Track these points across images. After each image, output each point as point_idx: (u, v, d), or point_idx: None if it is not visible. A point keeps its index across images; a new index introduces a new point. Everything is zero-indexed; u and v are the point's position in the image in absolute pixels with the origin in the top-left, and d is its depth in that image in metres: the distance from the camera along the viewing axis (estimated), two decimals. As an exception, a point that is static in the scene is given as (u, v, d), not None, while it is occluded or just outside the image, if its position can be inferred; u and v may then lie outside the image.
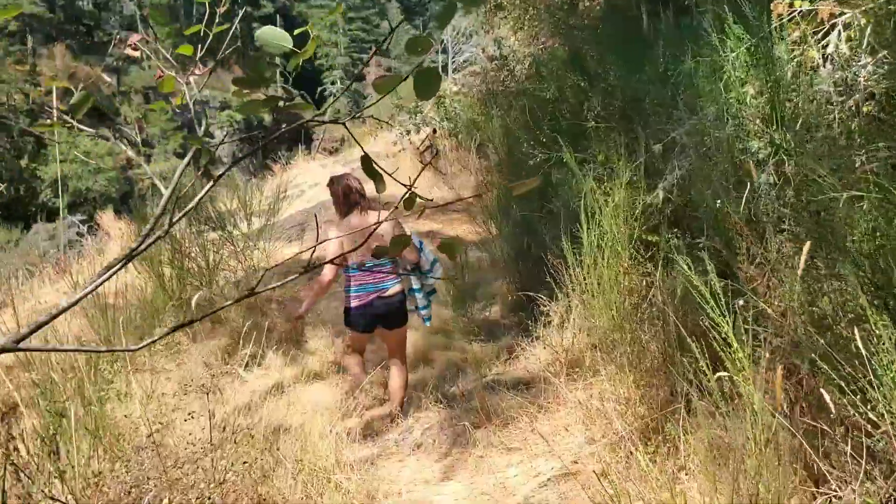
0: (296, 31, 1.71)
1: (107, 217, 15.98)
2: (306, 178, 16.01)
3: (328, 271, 4.55)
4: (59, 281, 10.50)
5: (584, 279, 3.96)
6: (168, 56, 1.87)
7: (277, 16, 67.97)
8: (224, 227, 6.54)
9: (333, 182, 4.78)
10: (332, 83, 69.34)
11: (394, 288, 4.68)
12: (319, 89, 68.18)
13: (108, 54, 54.42)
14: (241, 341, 6.51)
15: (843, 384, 2.40)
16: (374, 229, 1.78)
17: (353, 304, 4.62)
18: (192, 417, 3.76)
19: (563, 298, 5.34)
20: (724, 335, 2.65)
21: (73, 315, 8.65)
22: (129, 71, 55.33)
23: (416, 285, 4.82)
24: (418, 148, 14.70)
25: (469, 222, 11.85)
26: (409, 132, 14.71)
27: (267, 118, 59.77)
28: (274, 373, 6.41)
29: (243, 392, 6.08)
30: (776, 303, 2.88)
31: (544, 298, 5.64)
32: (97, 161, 45.42)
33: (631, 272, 3.75)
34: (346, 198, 4.66)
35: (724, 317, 2.65)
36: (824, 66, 3.75)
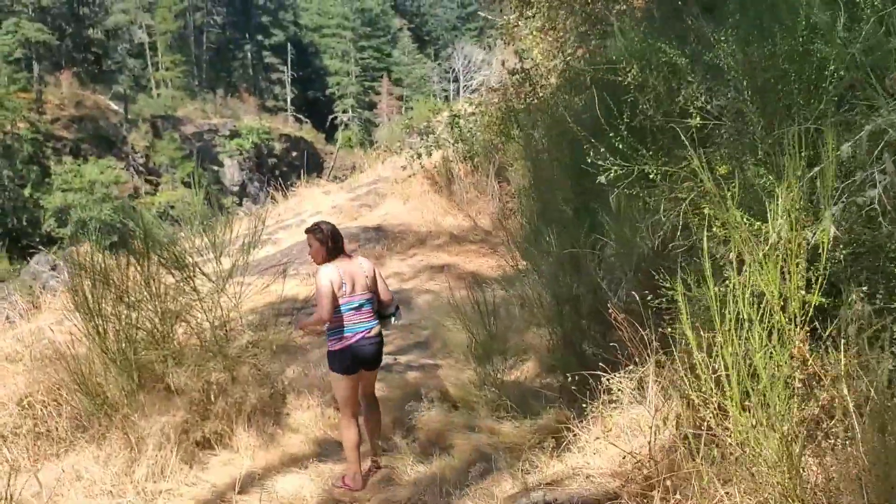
0: None
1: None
2: (307, 207, 14.60)
3: (326, 309, 4.53)
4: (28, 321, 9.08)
5: (711, 367, 2.40)
6: None
7: (289, 44, 67.35)
8: (184, 269, 5.07)
9: (318, 229, 4.82)
10: (344, 111, 68.52)
11: (376, 328, 4.73)
12: (330, 117, 67.38)
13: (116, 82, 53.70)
14: (202, 416, 5.02)
15: None
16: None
17: (341, 345, 4.61)
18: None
19: (638, 370, 3.85)
20: None
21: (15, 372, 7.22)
22: (137, 99, 54.63)
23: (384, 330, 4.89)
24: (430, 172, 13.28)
25: (488, 255, 10.35)
26: (419, 155, 13.28)
27: (278, 146, 58.98)
28: (243, 457, 4.91)
29: (200, 490, 4.58)
30: None
31: (602, 366, 4.15)
32: (103, 190, 44.41)
33: (809, 363, 2.24)
34: (334, 242, 4.71)
35: None
36: None
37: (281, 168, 54.27)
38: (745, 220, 2.48)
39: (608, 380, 4.12)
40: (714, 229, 2.70)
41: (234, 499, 4.37)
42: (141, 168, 52.08)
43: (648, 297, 3.49)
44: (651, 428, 3.36)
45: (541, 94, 11.31)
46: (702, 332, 2.39)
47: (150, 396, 4.90)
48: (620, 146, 3.16)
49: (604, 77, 3.68)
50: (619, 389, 4.13)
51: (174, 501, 4.48)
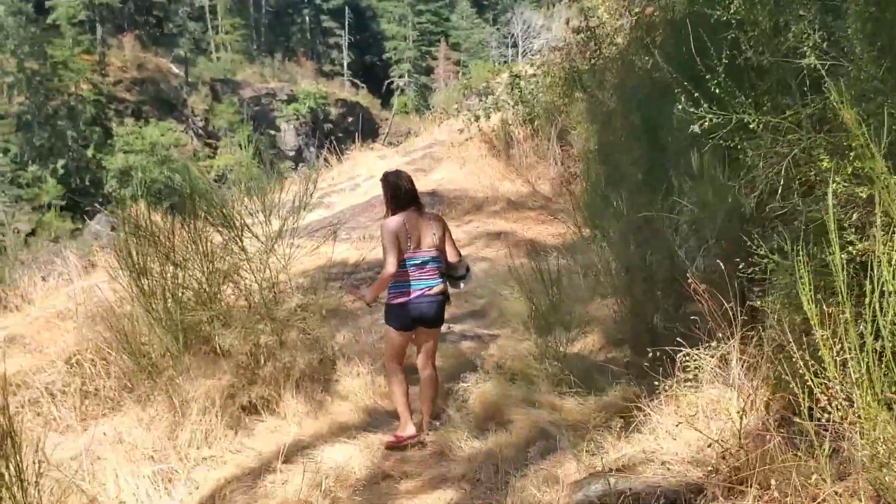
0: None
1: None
2: (361, 171, 14.33)
3: (390, 262, 4.41)
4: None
5: (833, 347, 2.01)
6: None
7: (347, 8, 66.93)
8: (232, 228, 4.82)
9: (386, 176, 4.68)
10: (400, 76, 68.00)
11: (439, 287, 4.59)
12: (387, 82, 66.97)
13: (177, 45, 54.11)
14: (249, 381, 4.81)
15: None
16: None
17: (400, 300, 4.49)
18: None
19: (719, 346, 3.47)
20: None
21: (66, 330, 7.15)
22: (197, 62, 55.02)
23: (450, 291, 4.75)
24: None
25: (548, 222, 9.95)
26: (477, 118, 12.87)
27: (334, 111, 58.90)
28: (290, 424, 4.69)
29: (244, 457, 4.37)
30: None
31: (679, 341, 3.78)
32: (164, 152, 44.94)
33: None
34: (394, 198, 4.56)
35: None
36: None
37: (336, 133, 54.16)
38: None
39: (686, 356, 3.75)
40: (835, 186, 2.29)
41: (279, 467, 4.15)
42: (200, 131, 52.66)
43: (740, 266, 3.09)
44: (739, 413, 2.98)
45: (606, 54, 10.79)
46: (824, 306, 2.01)
47: (195, 359, 4.70)
48: (717, 91, 2.76)
49: (694, 13, 3.26)
50: (696, 367, 3.76)
51: (217, 469, 4.28)
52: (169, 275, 4.65)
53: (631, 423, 3.99)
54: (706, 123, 2.80)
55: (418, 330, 4.60)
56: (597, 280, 6.04)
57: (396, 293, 4.49)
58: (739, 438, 2.77)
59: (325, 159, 16.47)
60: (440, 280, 4.57)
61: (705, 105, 2.75)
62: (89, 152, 44.86)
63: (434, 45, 71.05)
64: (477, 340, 6.01)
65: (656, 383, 3.93)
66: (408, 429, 4.50)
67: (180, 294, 4.68)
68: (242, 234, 4.85)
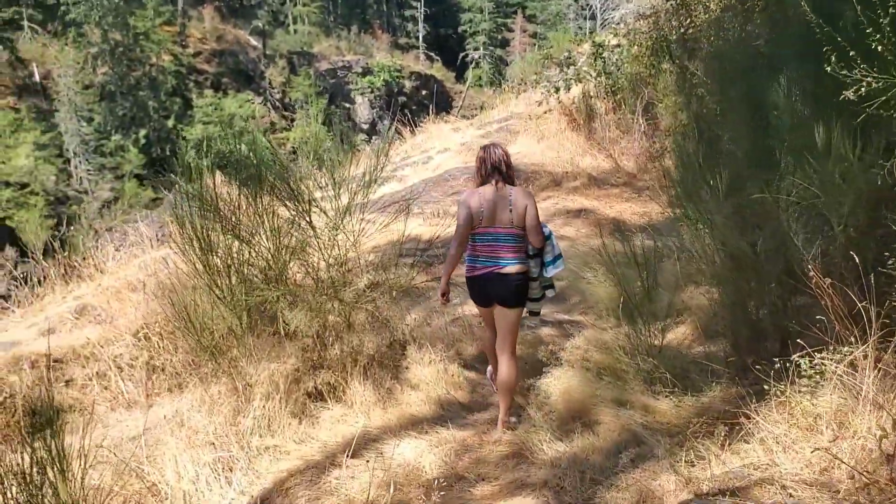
0: None
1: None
2: (435, 144, 13.96)
3: (457, 240, 4.34)
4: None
5: None
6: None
7: (423, -21, 66.28)
8: (300, 202, 4.52)
9: (482, 148, 4.51)
10: (475, 49, 67.07)
11: (513, 267, 4.29)
12: (462, 55, 66.19)
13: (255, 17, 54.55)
14: (314, 365, 4.53)
15: None
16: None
17: (468, 274, 4.40)
18: None
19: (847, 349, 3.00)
20: None
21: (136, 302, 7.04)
22: (275, 35, 55.39)
23: (534, 272, 4.44)
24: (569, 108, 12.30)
25: (632, 199, 9.41)
26: (557, 89, 12.31)
27: (408, 84, 58.58)
28: (357, 414, 4.39)
29: (308, 448, 4.09)
30: None
31: (798, 340, 3.31)
32: (241, 123, 45.53)
33: None
34: (484, 166, 4.39)
35: None
36: None
37: (410, 106, 53.84)
38: None
39: (805, 356, 3.29)
40: None
41: (346, 462, 3.86)
42: (277, 103, 53.18)
43: (889, 260, 2.59)
44: (880, 434, 2.51)
45: (698, 22, 10.10)
46: None
47: (259, 340, 4.44)
48: (880, 48, 2.26)
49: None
50: (817, 371, 3.28)
51: (280, 459, 4.02)
52: (234, 250, 4.38)
53: (735, 430, 3.54)
54: (862, 89, 2.31)
55: (495, 307, 4.37)
56: (692, 266, 5.53)
57: (467, 266, 4.40)
58: (891, 471, 2.31)
59: (399, 132, 16.15)
60: (516, 260, 4.27)
61: (861, 67, 2.26)
62: (170, 123, 45.80)
63: (510, 16, 69.78)
64: (557, 327, 5.60)
65: (765, 386, 3.49)
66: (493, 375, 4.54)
67: (245, 271, 4.41)
68: (311, 209, 4.54)
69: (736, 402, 3.77)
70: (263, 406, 4.22)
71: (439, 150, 13.29)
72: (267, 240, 4.40)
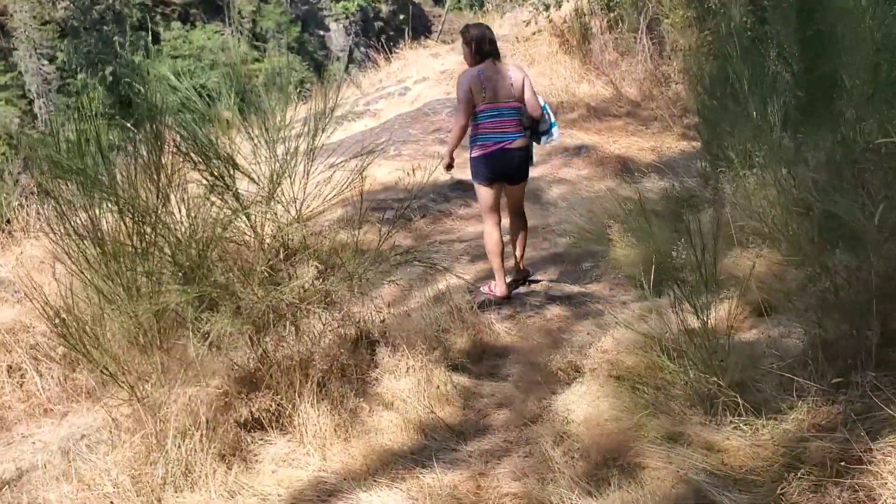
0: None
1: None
2: (412, 72, 12.53)
3: (461, 115, 4.49)
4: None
5: None
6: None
7: None
8: (216, 173, 3.27)
9: (468, 29, 4.66)
10: (454, -30, 64.23)
11: (518, 141, 4.53)
12: (439, -24, 63.42)
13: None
14: (249, 385, 3.38)
15: None
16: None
17: (477, 153, 4.53)
18: None
19: None
20: None
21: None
22: (243, -39, 52.47)
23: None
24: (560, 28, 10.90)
25: (638, 133, 8.18)
26: (547, 7, 10.90)
27: (384, 8, 56.01)
28: (309, 449, 3.24)
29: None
30: None
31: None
32: (212, 56, 43.39)
33: None
34: (479, 46, 4.48)
35: None
36: None
37: (388, 32, 51.54)
38: None
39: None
40: None
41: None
42: (248, 34, 50.80)
43: None
44: None
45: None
46: None
47: (172, 355, 3.27)
48: None
49: None
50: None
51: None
52: (123, 237, 3.16)
53: (842, 482, 2.44)
54: None
55: (503, 185, 4.60)
56: (742, 220, 4.37)
57: (476, 146, 4.51)
58: None
59: (373, 59, 14.71)
60: (520, 134, 4.51)
61: None
62: (137, 58, 43.57)
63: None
64: (570, 305, 4.44)
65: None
66: (499, 287, 4.62)
67: (148, 265, 3.19)
68: (233, 173, 3.30)
69: (835, 430, 2.68)
70: (179, 447, 3.07)
71: (417, 79, 11.91)
72: (171, 222, 3.17)
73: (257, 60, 48.35)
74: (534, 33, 11.44)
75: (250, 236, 3.35)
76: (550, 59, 10.55)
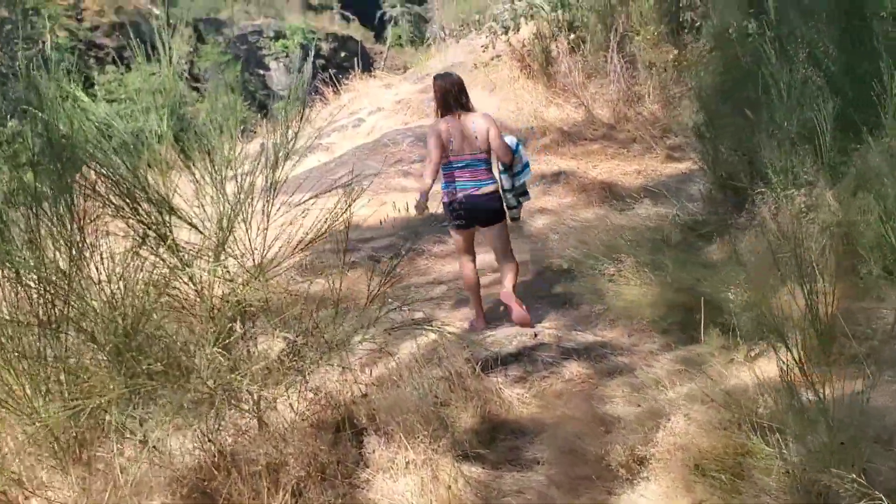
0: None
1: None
2: (364, 104, 11.79)
3: (430, 163, 4.54)
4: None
5: None
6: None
7: (331, -65, 62.61)
8: (146, 220, 2.47)
9: (435, 80, 4.78)
10: (392, 6, 64.15)
11: (488, 187, 4.61)
12: (379, 13, 63.18)
13: (154, -16, 50.55)
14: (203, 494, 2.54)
15: None
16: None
17: (446, 199, 4.63)
18: None
19: None
20: None
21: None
22: (177, 2, 51.48)
23: (506, 185, 4.74)
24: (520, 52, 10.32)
25: (619, 156, 7.57)
26: (506, 30, 10.34)
27: (325, 46, 55.43)
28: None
29: None
30: None
31: None
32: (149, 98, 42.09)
33: None
34: (444, 99, 4.60)
35: None
36: None
37: (329, 69, 50.95)
38: None
39: None
40: None
41: None
42: (186, 74, 49.73)
43: None
44: None
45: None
46: None
47: (96, 472, 2.42)
48: None
49: None
50: None
51: None
52: (23, 310, 2.33)
53: None
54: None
55: (477, 228, 4.67)
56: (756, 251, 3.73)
57: (445, 192, 4.60)
58: None
59: (320, 93, 13.92)
60: (490, 181, 4.60)
61: None
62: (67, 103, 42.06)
63: (427, -29, 67.00)
64: (589, 360, 3.69)
65: None
66: (479, 322, 4.59)
67: (53, 349, 2.35)
68: (169, 219, 2.50)
69: None
70: None
71: (371, 110, 11.19)
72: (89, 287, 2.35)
73: (198, 101, 47.48)
74: (492, 59, 10.87)
75: (196, 300, 2.54)
76: (513, 83, 9.95)
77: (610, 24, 8.74)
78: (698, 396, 2.64)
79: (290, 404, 2.61)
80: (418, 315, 4.60)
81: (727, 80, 5.27)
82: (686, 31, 8.13)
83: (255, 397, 2.50)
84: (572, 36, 9.85)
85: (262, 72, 51.63)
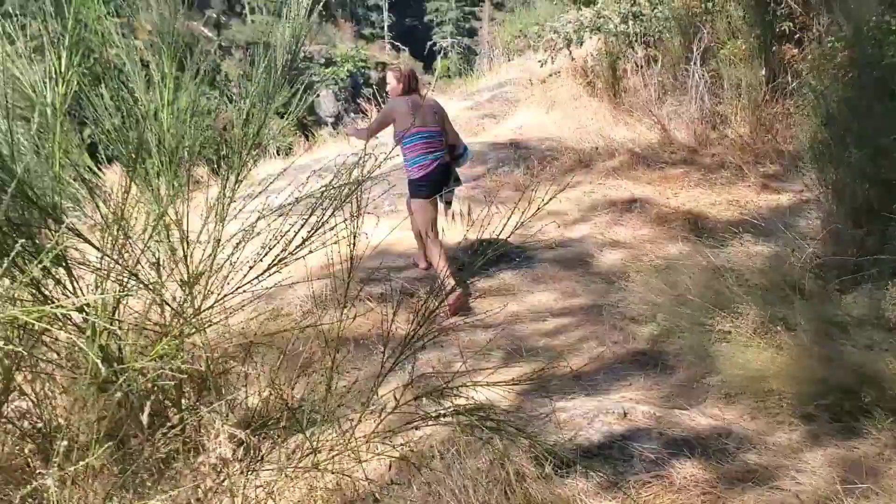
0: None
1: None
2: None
3: (375, 124, 5.02)
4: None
5: None
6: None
7: (386, -33, 62.82)
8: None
9: (398, 68, 5.10)
10: (443, 38, 63.83)
11: (446, 157, 5.00)
12: (429, 44, 62.89)
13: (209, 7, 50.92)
14: None
15: None
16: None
17: (420, 173, 4.90)
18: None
19: None
20: None
21: None
22: (230, 25, 51.71)
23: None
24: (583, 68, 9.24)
25: (704, 183, 6.39)
26: (569, 42, 9.30)
27: (374, 75, 55.15)
28: None
29: None
30: None
31: None
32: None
33: None
34: (408, 82, 4.99)
35: None
36: None
37: (377, 99, 50.54)
38: None
39: None
40: None
41: None
42: (235, 97, 49.82)
43: None
44: None
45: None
46: None
47: None
48: None
49: None
50: None
51: None
52: None
53: None
54: None
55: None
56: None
57: (416, 167, 4.88)
58: None
59: (362, 110, 13.11)
60: (444, 151, 4.94)
61: None
62: (116, 121, 42.25)
63: (477, 4, 66.75)
64: (706, 458, 2.53)
65: None
66: (421, 261, 5.25)
67: None
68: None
69: None
70: None
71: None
72: None
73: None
74: (551, 75, 9.83)
75: (83, 373, 1.46)
76: (573, 101, 8.89)
77: (693, 35, 7.61)
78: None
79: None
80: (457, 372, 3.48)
81: (865, 89, 4.13)
82: (784, 41, 6.97)
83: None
84: (645, 50, 8.77)
85: (310, 97, 51.72)
